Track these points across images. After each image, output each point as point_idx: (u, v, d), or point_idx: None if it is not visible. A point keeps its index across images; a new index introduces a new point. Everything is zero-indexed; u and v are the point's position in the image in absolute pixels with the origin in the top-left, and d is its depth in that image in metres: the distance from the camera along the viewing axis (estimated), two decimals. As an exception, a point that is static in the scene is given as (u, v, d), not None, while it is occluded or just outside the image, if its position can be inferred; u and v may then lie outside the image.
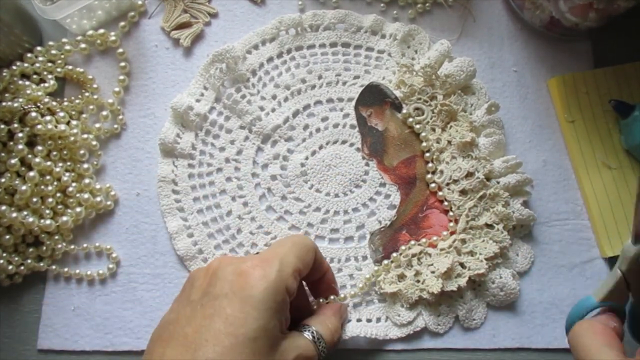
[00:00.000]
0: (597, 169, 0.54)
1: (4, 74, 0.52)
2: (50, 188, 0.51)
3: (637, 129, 0.52)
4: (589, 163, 0.54)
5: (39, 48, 0.55)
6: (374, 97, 0.55)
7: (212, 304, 0.37)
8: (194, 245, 0.52)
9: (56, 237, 0.51)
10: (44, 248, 0.51)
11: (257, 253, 0.47)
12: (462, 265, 0.50)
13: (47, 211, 0.51)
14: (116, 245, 0.52)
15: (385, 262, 0.51)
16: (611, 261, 0.52)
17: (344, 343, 0.49)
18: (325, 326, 0.44)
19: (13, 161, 0.50)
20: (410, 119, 0.54)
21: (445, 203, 0.52)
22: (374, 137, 0.54)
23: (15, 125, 0.51)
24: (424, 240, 0.51)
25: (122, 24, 0.56)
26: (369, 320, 0.50)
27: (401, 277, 0.51)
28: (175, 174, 0.54)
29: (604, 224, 0.53)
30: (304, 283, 0.48)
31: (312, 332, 0.42)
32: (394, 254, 0.51)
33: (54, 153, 0.52)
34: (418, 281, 0.50)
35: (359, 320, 0.50)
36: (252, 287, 0.37)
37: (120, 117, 0.55)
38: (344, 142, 0.55)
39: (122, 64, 0.55)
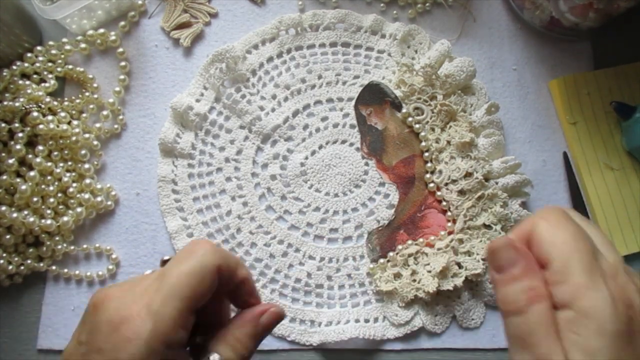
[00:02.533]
0: (599, 170, 0.54)
1: (4, 73, 0.52)
2: (51, 188, 0.51)
3: (638, 130, 0.52)
4: (591, 164, 0.54)
5: (39, 48, 0.55)
6: (374, 96, 0.55)
7: (89, 357, 0.33)
8: (193, 245, 0.52)
9: (57, 238, 0.51)
10: (44, 248, 0.51)
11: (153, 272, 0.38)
12: (459, 265, 0.50)
13: (48, 211, 0.51)
14: (116, 245, 0.53)
15: (382, 260, 0.51)
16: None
17: (343, 344, 0.50)
18: (228, 346, 0.35)
19: (11, 161, 0.50)
20: (410, 119, 0.54)
21: (444, 203, 0.52)
22: (373, 136, 0.54)
23: (16, 124, 0.51)
24: (421, 240, 0.51)
25: (122, 23, 0.56)
26: (366, 321, 0.50)
27: (397, 276, 0.51)
28: (175, 173, 0.54)
29: (607, 225, 0.53)
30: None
31: None
32: (391, 253, 0.51)
33: (55, 153, 0.52)
34: (414, 280, 0.50)
35: (357, 320, 0.50)
36: (120, 350, 0.32)
37: (121, 117, 0.55)
38: (343, 141, 0.55)
39: (122, 63, 0.56)
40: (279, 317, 0.38)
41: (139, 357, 0.32)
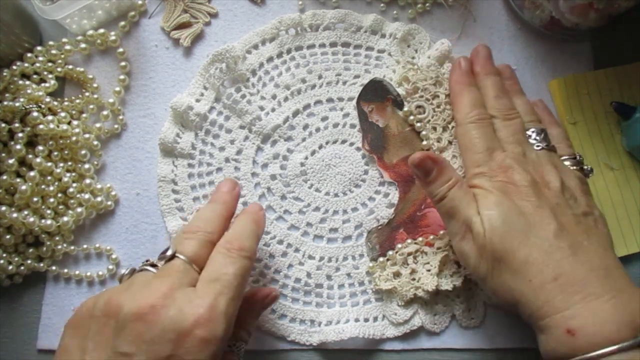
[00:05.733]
0: (599, 170, 0.54)
1: (4, 74, 0.52)
2: (51, 188, 0.51)
3: (638, 130, 0.52)
4: (591, 164, 0.54)
5: (39, 48, 0.55)
6: (376, 93, 0.55)
7: None
8: (193, 245, 0.52)
9: (57, 238, 0.51)
10: (44, 248, 0.51)
11: (165, 258, 0.41)
12: (458, 264, 0.50)
13: (48, 211, 0.51)
14: (116, 245, 0.53)
15: (381, 259, 0.51)
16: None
17: (343, 343, 0.50)
18: (244, 330, 0.45)
19: (11, 161, 0.50)
20: (412, 117, 0.54)
21: (445, 203, 0.52)
22: (375, 133, 0.54)
23: (16, 124, 0.51)
24: (420, 238, 0.51)
25: (122, 23, 0.56)
26: (366, 320, 0.50)
27: (396, 274, 0.51)
28: (175, 173, 0.54)
29: (608, 225, 0.52)
30: None
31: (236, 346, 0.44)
32: (390, 252, 0.51)
33: (55, 153, 0.52)
34: (414, 279, 0.50)
35: (356, 320, 0.50)
36: (198, 352, 0.35)
37: (121, 117, 0.55)
38: (343, 141, 0.55)
39: (122, 63, 0.56)
40: (277, 299, 0.48)
41: (217, 355, 0.36)
